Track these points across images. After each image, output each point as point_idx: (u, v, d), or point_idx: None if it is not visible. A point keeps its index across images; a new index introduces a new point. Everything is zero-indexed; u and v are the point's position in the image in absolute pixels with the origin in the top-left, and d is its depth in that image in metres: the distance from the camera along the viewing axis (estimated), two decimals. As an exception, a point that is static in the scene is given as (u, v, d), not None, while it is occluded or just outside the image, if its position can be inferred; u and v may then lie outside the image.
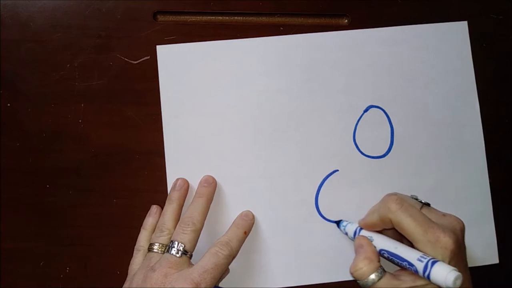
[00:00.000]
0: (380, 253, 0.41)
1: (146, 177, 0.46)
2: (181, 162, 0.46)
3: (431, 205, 0.43)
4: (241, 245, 0.44)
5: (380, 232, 0.43)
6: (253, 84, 0.47)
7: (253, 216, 0.46)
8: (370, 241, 0.42)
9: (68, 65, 0.46)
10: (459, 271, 0.36)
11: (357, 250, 0.42)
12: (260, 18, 0.48)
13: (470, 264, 0.41)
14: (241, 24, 0.48)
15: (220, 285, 0.44)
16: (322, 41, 0.47)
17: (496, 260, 0.48)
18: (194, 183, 0.46)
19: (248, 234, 0.45)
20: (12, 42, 0.46)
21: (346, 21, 0.48)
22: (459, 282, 0.36)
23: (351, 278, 0.46)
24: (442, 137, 0.48)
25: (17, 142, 0.46)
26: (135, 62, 0.46)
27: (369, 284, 0.40)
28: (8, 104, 0.46)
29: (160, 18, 0.47)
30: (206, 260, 0.40)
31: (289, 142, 0.47)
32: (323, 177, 0.47)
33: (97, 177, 0.46)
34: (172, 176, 0.46)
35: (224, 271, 0.42)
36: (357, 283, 0.41)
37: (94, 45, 0.46)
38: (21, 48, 0.46)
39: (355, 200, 0.47)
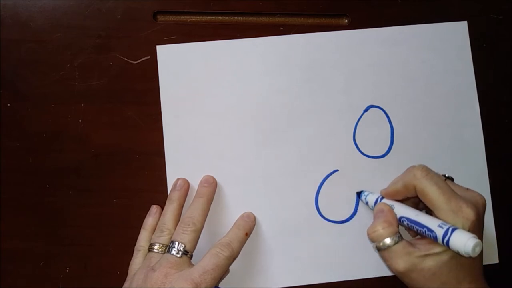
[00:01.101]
0: (400, 221, 0.42)
1: (146, 177, 0.46)
2: (181, 162, 0.46)
3: None
4: (242, 247, 0.44)
5: (399, 201, 0.43)
6: (253, 84, 0.47)
7: (255, 217, 0.46)
8: (391, 207, 0.42)
9: (68, 65, 0.46)
10: (478, 239, 0.36)
11: (376, 215, 0.42)
12: (260, 18, 0.48)
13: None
14: (241, 24, 0.48)
15: (220, 285, 0.44)
16: (322, 41, 0.47)
17: (496, 260, 0.48)
18: (194, 183, 0.46)
19: (249, 235, 0.45)
20: (12, 42, 0.46)
21: (346, 21, 0.48)
22: (478, 249, 0.36)
23: (351, 278, 0.47)
24: (442, 137, 0.48)
25: (17, 142, 0.46)
26: (135, 62, 0.46)
27: (384, 247, 0.40)
28: (8, 104, 0.46)
29: (160, 18, 0.47)
30: (206, 261, 0.40)
31: (289, 142, 0.47)
32: (323, 177, 0.47)
33: (97, 177, 0.46)
34: (172, 176, 0.46)
35: (224, 272, 0.42)
36: (373, 246, 0.41)
37: (94, 45, 0.46)
38: (21, 48, 0.46)
39: (355, 200, 0.47)
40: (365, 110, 0.47)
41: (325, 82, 0.47)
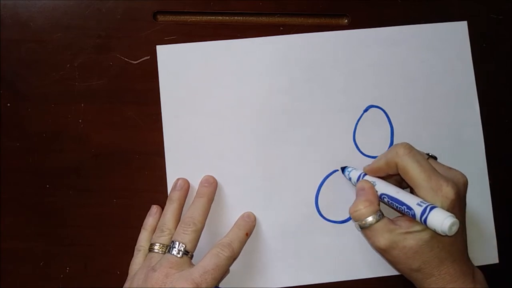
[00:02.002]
0: (381, 198, 0.42)
1: (146, 177, 0.46)
2: (181, 162, 0.46)
3: None
4: (243, 247, 0.44)
5: (383, 178, 0.43)
6: (253, 84, 0.47)
7: (255, 217, 0.46)
8: (372, 185, 0.42)
9: (68, 65, 0.46)
10: (456, 218, 0.36)
11: (358, 193, 0.42)
12: (260, 18, 0.48)
13: (470, 264, 0.41)
14: (241, 24, 0.48)
15: (220, 285, 0.44)
16: (322, 41, 0.47)
17: (496, 260, 0.48)
18: (195, 183, 0.46)
19: (250, 235, 0.45)
20: (12, 42, 0.46)
21: (346, 21, 0.48)
22: (455, 228, 0.36)
23: (351, 278, 0.47)
24: (442, 137, 0.48)
25: (17, 142, 0.46)
26: (135, 62, 0.46)
27: (366, 225, 0.40)
28: (8, 104, 0.46)
29: (160, 18, 0.47)
30: (207, 261, 0.40)
31: (289, 142, 0.47)
32: (323, 177, 0.47)
33: (97, 177, 0.46)
34: (172, 176, 0.46)
35: (225, 272, 0.42)
36: (356, 224, 0.42)
37: (94, 45, 0.46)
38: (21, 48, 0.46)
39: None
40: (365, 110, 0.47)
41: (325, 82, 0.47)
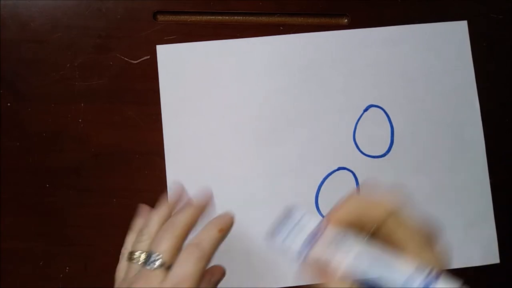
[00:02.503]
0: (355, 274, 0.29)
1: (146, 177, 0.46)
2: (181, 162, 0.46)
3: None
4: (217, 245, 0.37)
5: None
6: (252, 84, 0.47)
7: (233, 214, 0.39)
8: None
9: (68, 65, 0.46)
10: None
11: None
12: (260, 18, 0.48)
13: (470, 264, 0.41)
14: (241, 24, 0.48)
15: (220, 285, 0.44)
16: (322, 40, 0.47)
17: (497, 260, 0.48)
18: (194, 183, 0.46)
19: (226, 232, 0.39)
20: (12, 42, 0.46)
21: (346, 21, 0.48)
22: None
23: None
24: (442, 136, 0.48)
25: (17, 142, 0.46)
26: (135, 62, 0.47)
27: None
28: (8, 104, 0.46)
29: (160, 18, 0.47)
30: (176, 272, 0.35)
31: (289, 142, 0.47)
32: (323, 177, 0.47)
33: (97, 177, 0.46)
34: (172, 176, 0.46)
35: (201, 276, 0.36)
36: None
37: (94, 45, 0.46)
38: (21, 48, 0.46)
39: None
40: (365, 110, 0.47)
41: (325, 82, 0.47)
